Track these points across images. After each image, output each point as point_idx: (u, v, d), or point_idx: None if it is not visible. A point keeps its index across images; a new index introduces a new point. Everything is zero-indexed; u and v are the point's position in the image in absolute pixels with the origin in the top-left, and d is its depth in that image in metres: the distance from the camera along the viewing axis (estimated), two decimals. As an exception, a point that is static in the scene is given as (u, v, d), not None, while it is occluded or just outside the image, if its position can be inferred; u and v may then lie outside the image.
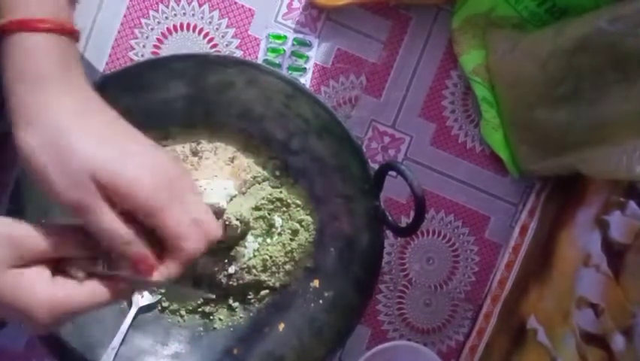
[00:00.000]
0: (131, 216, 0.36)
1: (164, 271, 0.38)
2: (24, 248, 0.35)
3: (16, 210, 0.50)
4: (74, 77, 0.38)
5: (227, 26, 0.57)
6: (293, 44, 0.58)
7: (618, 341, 0.45)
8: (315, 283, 0.58)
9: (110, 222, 0.36)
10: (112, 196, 0.36)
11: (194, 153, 0.55)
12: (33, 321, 0.35)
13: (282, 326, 0.57)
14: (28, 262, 0.35)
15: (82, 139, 0.35)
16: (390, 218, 0.53)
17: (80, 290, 0.36)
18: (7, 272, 0.34)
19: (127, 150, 0.37)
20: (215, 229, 0.39)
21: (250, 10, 0.57)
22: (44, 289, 0.35)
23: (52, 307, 0.35)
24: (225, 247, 0.55)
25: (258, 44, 0.58)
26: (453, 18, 0.58)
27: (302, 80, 0.58)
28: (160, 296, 0.56)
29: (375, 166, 0.53)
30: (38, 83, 0.36)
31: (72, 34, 0.39)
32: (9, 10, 0.36)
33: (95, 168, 0.35)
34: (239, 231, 0.54)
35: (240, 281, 0.56)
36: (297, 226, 0.57)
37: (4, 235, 0.35)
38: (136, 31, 0.56)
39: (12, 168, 0.55)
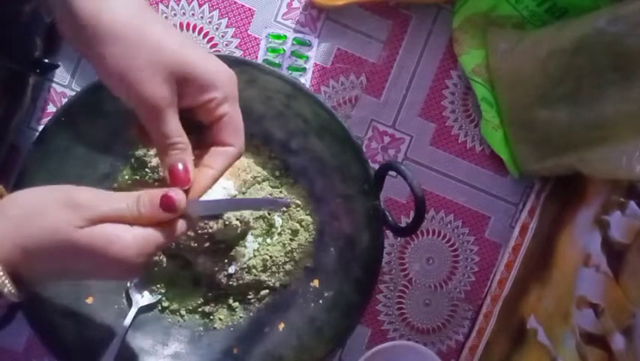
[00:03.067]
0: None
1: (209, 173, 0.41)
2: (89, 210, 0.36)
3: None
4: None
5: (227, 26, 0.57)
6: (293, 44, 0.58)
7: (618, 341, 0.45)
8: (315, 283, 0.58)
9: (177, 127, 0.38)
10: (189, 93, 0.38)
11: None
12: (126, 265, 0.36)
13: (282, 326, 0.57)
14: (91, 223, 0.36)
15: (168, 38, 0.37)
16: (390, 218, 0.53)
17: (153, 228, 0.38)
18: (80, 231, 0.35)
19: (202, 51, 0.40)
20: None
21: (250, 9, 0.57)
22: (127, 233, 0.37)
23: (140, 246, 0.37)
24: (225, 247, 0.55)
25: (257, 44, 0.58)
26: (453, 17, 0.58)
27: (302, 80, 0.58)
28: (160, 296, 0.56)
29: (375, 166, 0.53)
30: None
31: None
32: None
33: (186, 63, 0.37)
34: (239, 231, 0.54)
35: (240, 281, 0.56)
36: (297, 226, 0.57)
37: (67, 198, 0.36)
38: (136, 31, 0.56)
39: (12, 169, 0.55)
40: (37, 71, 0.53)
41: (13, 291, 0.35)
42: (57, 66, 0.55)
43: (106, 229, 0.36)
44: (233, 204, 0.49)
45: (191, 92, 0.38)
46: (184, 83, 0.38)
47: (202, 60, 0.38)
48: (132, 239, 0.36)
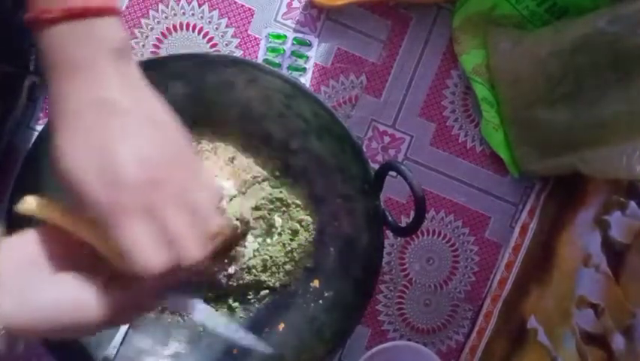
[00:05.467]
0: None
1: None
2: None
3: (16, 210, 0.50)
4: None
5: (226, 26, 0.57)
6: (293, 44, 0.58)
7: (618, 341, 0.45)
8: (315, 283, 0.58)
9: None
10: None
11: (194, 153, 0.55)
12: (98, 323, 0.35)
13: (282, 326, 0.57)
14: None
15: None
16: (390, 218, 0.53)
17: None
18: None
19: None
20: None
21: (250, 9, 0.57)
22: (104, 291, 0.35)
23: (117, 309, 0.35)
24: (225, 247, 0.55)
25: (257, 44, 0.58)
26: (453, 17, 0.58)
27: (302, 80, 0.58)
28: (160, 296, 0.56)
29: (375, 166, 0.53)
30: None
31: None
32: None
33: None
34: (239, 231, 0.54)
35: (240, 281, 0.56)
36: (297, 226, 0.57)
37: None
38: (136, 30, 0.56)
39: (12, 170, 0.55)
40: (33, 72, 0.53)
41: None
42: None
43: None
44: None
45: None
46: None
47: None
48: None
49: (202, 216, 0.35)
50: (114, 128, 0.34)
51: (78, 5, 0.33)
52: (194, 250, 0.35)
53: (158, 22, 0.56)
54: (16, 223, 0.51)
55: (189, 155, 0.37)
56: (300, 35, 0.58)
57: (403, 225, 0.51)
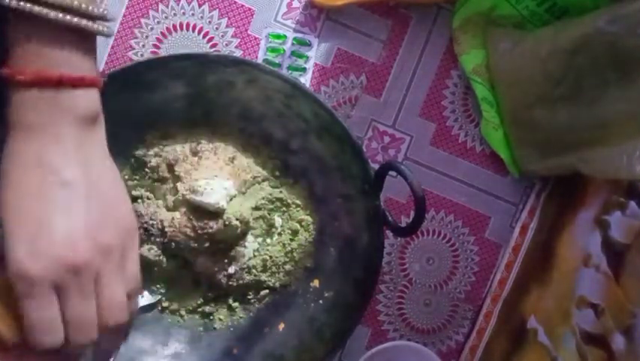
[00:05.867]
0: None
1: None
2: None
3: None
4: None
5: (226, 26, 0.57)
6: (293, 44, 0.58)
7: (618, 341, 0.45)
8: (315, 283, 0.58)
9: None
10: None
11: (194, 153, 0.55)
12: None
13: (282, 326, 0.57)
14: None
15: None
16: (390, 218, 0.53)
17: None
18: None
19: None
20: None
21: (250, 9, 0.57)
22: None
23: None
24: (225, 247, 0.55)
25: (257, 44, 0.58)
26: (453, 17, 0.58)
27: (302, 80, 0.58)
28: (160, 296, 0.56)
29: (375, 166, 0.53)
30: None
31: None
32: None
33: None
34: (239, 231, 0.54)
35: (240, 281, 0.56)
36: (297, 226, 0.57)
37: None
38: (135, 30, 0.56)
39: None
40: None
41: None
42: None
43: None
44: None
45: None
46: None
47: None
48: None
49: (106, 308, 0.36)
50: (54, 200, 0.34)
51: (54, 75, 0.33)
52: (83, 338, 0.35)
53: (158, 22, 0.56)
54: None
55: (125, 238, 0.37)
56: (300, 35, 0.58)
57: (403, 225, 0.51)
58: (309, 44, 0.58)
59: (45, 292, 0.34)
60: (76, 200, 0.35)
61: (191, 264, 0.55)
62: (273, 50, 0.58)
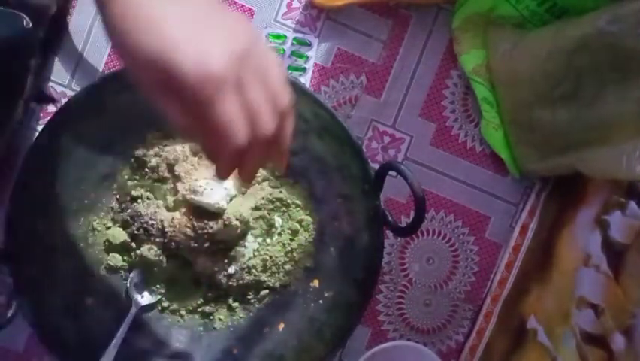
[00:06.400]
0: None
1: None
2: None
3: (16, 210, 0.50)
4: None
5: (227, 26, 0.57)
6: (293, 44, 0.58)
7: (618, 341, 0.45)
8: (315, 283, 0.58)
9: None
10: None
11: (194, 153, 0.55)
12: None
13: (282, 326, 0.57)
14: None
15: None
16: (390, 218, 0.53)
17: None
18: None
19: None
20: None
21: (250, 9, 0.57)
22: None
23: None
24: (225, 247, 0.55)
25: (257, 44, 0.58)
26: (453, 17, 0.58)
27: (302, 80, 0.58)
28: (160, 296, 0.56)
29: (375, 166, 0.53)
30: None
31: None
32: None
33: None
34: (239, 231, 0.54)
35: (240, 281, 0.56)
36: (297, 226, 0.57)
37: None
38: (136, 31, 0.56)
39: (12, 170, 0.55)
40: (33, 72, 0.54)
41: None
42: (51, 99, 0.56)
43: None
44: None
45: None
46: None
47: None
48: None
49: (275, 92, 0.36)
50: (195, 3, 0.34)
51: None
52: (271, 123, 0.36)
53: (158, 22, 0.56)
54: (16, 223, 0.52)
55: (257, 35, 0.37)
56: (300, 35, 0.58)
57: (403, 225, 0.51)
58: (309, 44, 0.58)
59: (231, 89, 0.34)
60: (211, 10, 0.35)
61: (191, 264, 0.55)
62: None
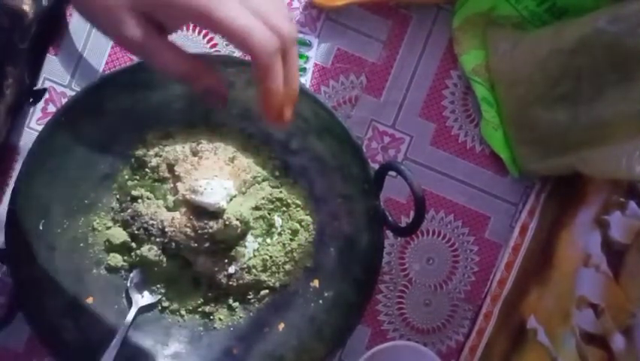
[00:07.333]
0: None
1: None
2: None
3: (16, 211, 0.50)
4: None
5: (227, 26, 0.57)
6: (293, 44, 0.58)
7: (618, 341, 0.45)
8: (315, 283, 0.58)
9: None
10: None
11: (194, 153, 0.55)
12: None
13: (282, 326, 0.57)
14: None
15: None
16: (390, 218, 0.53)
17: None
18: None
19: None
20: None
21: (250, 9, 0.57)
22: None
23: None
24: (225, 247, 0.55)
25: (257, 44, 0.58)
26: (453, 17, 0.58)
27: (302, 80, 0.58)
28: (160, 296, 0.56)
29: (375, 166, 0.53)
30: None
31: None
32: None
33: None
34: (239, 231, 0.54)
35: (240, 281, 0.56)
36: (297, 226, 0.57)
37: None
38: (136, 31, 0.56)
39: (12, 169, 0.55)
40: (30, 100, 0.54)
41: None
42: (45, 90, 0.56)
43: None
44: None
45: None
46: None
47: None
48: None
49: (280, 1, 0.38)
50: None
51: None
52: (290, 25, 0.37)
53: (158, 23, 0.56)
54: (16, 223, 0.52)
55: None
56: (300, 35, 0.58)
57: (403, 225, 0.51)
58: (309, 44, 0.58)
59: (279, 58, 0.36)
60: None
61: (191, 264, 0.55)
62: (273, 50, 0.58)
